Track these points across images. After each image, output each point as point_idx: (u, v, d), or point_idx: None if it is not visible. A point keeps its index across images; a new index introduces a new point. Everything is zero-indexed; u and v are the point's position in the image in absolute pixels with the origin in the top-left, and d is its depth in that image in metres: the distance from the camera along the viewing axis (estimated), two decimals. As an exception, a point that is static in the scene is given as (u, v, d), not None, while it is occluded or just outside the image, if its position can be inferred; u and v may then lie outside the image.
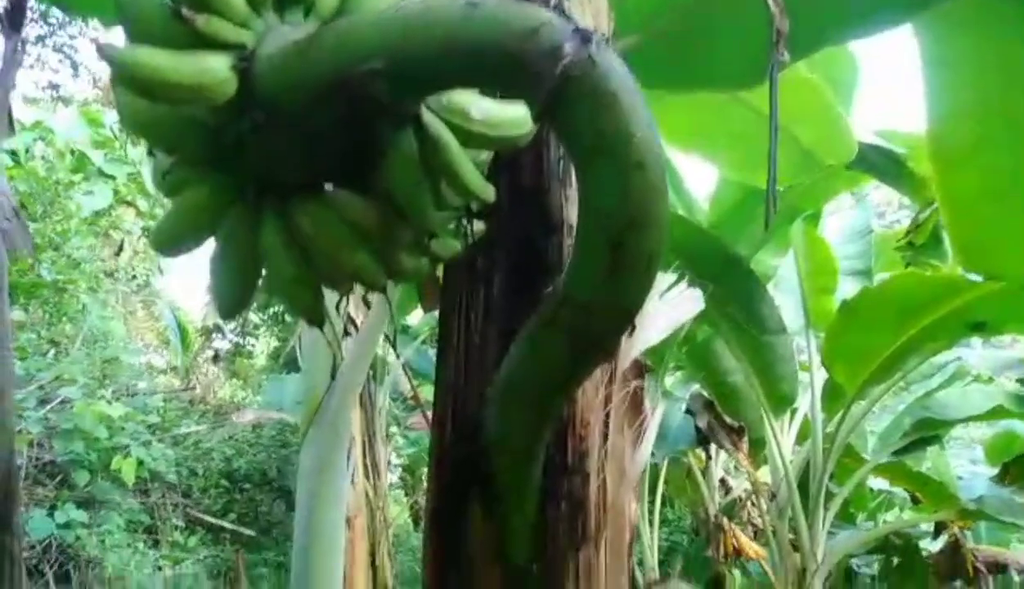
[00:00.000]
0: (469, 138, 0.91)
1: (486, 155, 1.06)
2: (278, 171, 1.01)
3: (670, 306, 1.41)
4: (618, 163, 0.77)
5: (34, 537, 4.44)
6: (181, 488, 5.63)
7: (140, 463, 4.93)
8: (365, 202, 1.02)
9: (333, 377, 1.97)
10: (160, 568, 4.86)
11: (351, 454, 5.15)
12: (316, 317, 1.10)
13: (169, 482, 5.50)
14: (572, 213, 1.31)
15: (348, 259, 1.01)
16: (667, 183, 0.84)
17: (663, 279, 1.43)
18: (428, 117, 0.90)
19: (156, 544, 5.27)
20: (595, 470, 1.30)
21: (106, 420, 4.83)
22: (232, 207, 1.04)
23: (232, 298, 1.10)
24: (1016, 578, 6.60)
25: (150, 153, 1.08)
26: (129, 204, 7.58)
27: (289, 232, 1.02)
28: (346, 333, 2.08)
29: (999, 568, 6.05)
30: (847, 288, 5.27)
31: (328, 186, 1.09)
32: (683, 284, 1.45)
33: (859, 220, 5.93)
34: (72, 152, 6.93)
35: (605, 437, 1.32)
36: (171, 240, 1.07)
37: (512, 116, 0.90)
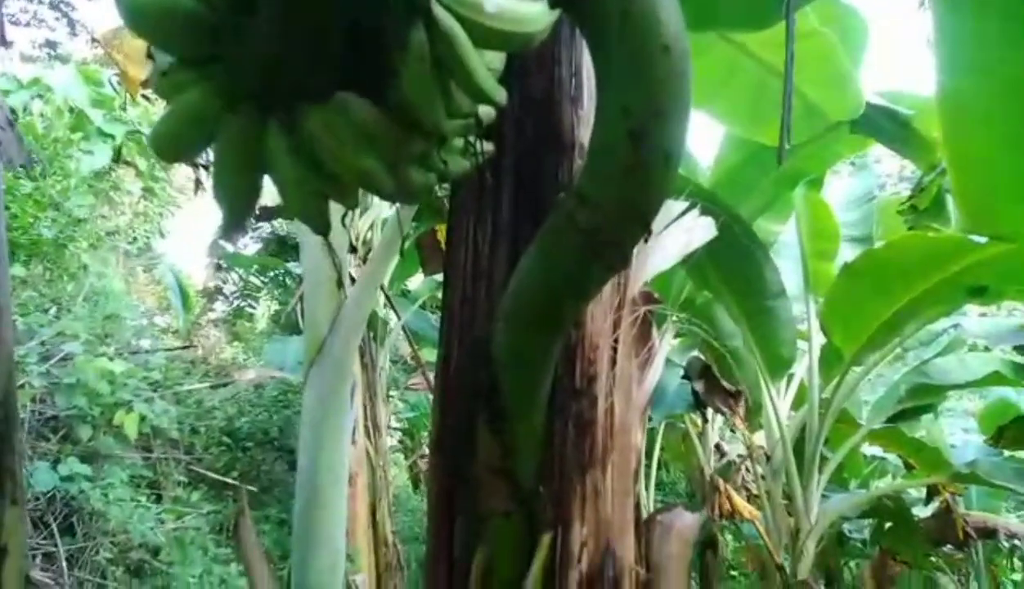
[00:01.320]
0: (482, 34, 0.89)
1: (499, 62, 1.05)
2: (282, 73, 0.98)
3: (682, 232, 1.41)
4: (643, 46, 0.76)
5: (38, 489, 4.47)
6: (183, 445, 5.68)
7: (142, 419, 4.95)
8: (372, 106, 1.00)
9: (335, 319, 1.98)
10: (163, 521, 4.91)
11: (353, 402, 5.18)
12: (322, 225, 1.10)
13: (171, 439, 5.54)
14: (584, 134, 1.30)
15: (355, 160, 0.99)
16: (692, 72, 0.83)
17: (674, 206, 1.43)
18: (439, 10, 0.87)
19: (159, 499, 5.32)
20: (603, 394, 1.31)
21: (108, 375, 4.85)
22: (233, 111, 1.02)
23: (236, 206, 1.09)
24: (1005, 543, 6.72)
25: (149, 55, 1.05)
26: (129, 164, 7.52)
27: (293, 136, 1.00)
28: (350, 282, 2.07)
29: (988, 533, 6.14)
30: (847, 254, 5.27)
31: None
32: (695, 211, 1.45)
33: (861, 186, 5.91)
34: (71, 110, 6.87)
35: (613, 362, 1.34)
36: (169, 144, 1.05)
37: (527, 12, 0.89)
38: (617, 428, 1.30)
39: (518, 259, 1.16)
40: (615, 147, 0.89)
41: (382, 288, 5.43)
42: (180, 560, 4.91)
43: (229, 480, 5.74)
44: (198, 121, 1.04)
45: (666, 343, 1.42)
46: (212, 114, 1.03)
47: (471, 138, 1.14)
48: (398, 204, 2.17)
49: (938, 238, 4.30)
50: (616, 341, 1.33)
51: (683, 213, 1.46)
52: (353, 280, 3.02)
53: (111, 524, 4.66)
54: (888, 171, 10.64)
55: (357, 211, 4.56)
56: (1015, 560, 7.47)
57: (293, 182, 1.04)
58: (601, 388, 1.29)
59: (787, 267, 5.49)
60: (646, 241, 1.19)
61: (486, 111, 1.10)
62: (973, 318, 6.29)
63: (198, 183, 4.47)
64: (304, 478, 2.08)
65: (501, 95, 0.98)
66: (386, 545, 5.31)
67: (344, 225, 1.13)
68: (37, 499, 4.56)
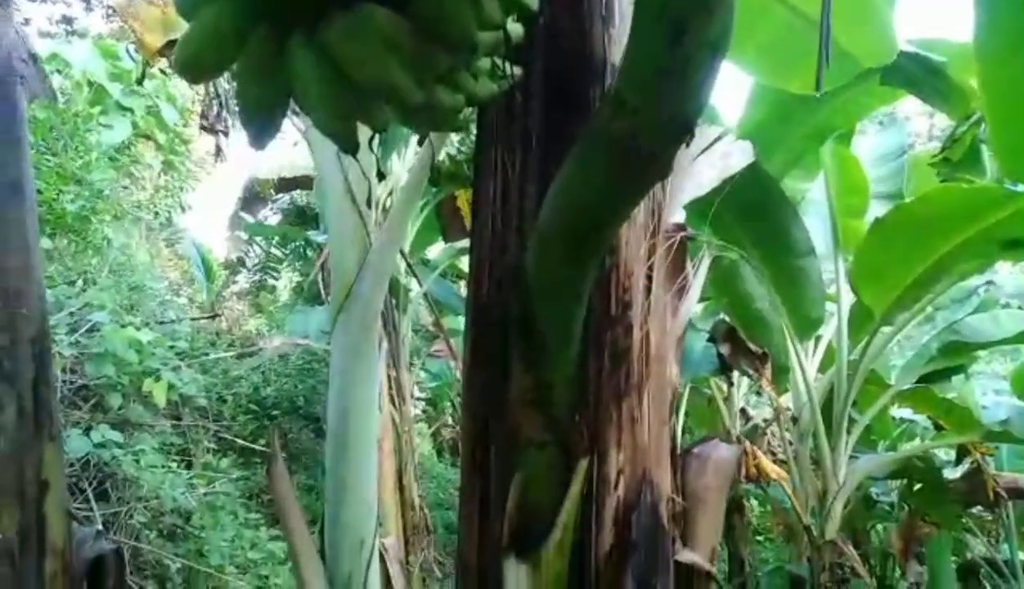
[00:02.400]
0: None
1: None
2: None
3: (718, 157, 1.35)
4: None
5: (73, 456, 4.56)
6: (211, 413, 5.75)
7: (171, 387, 5.02)
8: (397, 16, 0.96)
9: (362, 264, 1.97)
10: (193, 486, 5.00)
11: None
12: (349, 142, 1.07)
13: (200, 407, 5.62)
14: (616, 54, 1.25)
15: (381, 71, 0.95)
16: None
17: (711, 131, 1.37)
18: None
19: (189, 466, 5.41)
20: (638, 322, 1.28)
21: (135, 344, 4.91)
22: (256, 28, 0.99)
23: (261, 125, 1.06)
24: (1038, 503, 6.63)
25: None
26: (148, 138, 7.55)
27: (318, 51, 0.97)
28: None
29: (1019, 494, 6.05)
30: (878, 211, 5.14)
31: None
32: (730, 135, 1.39)
33: (891, 142, 5.76)
34: (89, 84, 6.88)
35: (648, 290, 1.30)
36: (193, 63, 1.02)
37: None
38: (653, 356, 1.26)
39: (548, 183, 1.12)
40: (655, 44, 0.84)
41: (403, 254, 5.42)
42: (211, 524, 5.00)
43: (257, 447, 5.82)
44: (220, 38, 1.01)
45: (701, 273, 1.38)
46: (234, 30, 1.00)
47: (499, 59, 1.10)
48: (426, 140, 2.14)
49: (972, 189, 4.17)
50: (651, 269, 1.29)
51: (719, 138, 1.41)
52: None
53: (144, 490, 4.75)
54: (917, 130, 10.37)
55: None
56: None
57: (318, 97, 1.01)
58: (636, 316, 1.26)
59: (815, 225, 5.38)
60: (687, 145, 1.14)
61: (515, 30, 1.05)
62: (1005, 276, 6.14)
63: (218, 150, 4.47)
64: (334, 425, 2.08)
65: None
66: (413, 508, 5.36)
67: (371, 150, 1.10)
68: (72, 466, 4.66)
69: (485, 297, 1.29)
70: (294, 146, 6.87)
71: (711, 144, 1.40)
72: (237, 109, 1.07)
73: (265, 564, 5.18)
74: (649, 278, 1.29)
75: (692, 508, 1.27)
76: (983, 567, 6.50)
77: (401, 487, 5.34)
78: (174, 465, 5.09)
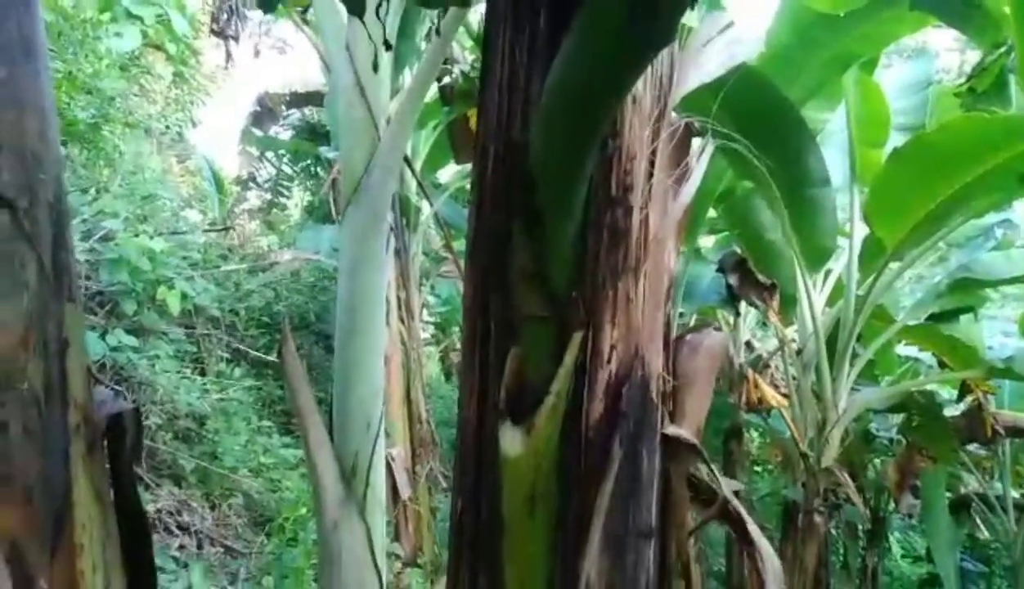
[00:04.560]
0: None
1: None
2: None
3: (725, 44, 1.34)
4: None
5: (90, 358, 4.68)
6: (224, 324, 5.87)
7: (184, 297, 5.10)
8: None
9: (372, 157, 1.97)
10: (207, 391, 5.15)
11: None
12: (357, 4, 1.06)
13: (213, 317, 5.73)
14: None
15: None
16: None
17: (721, 16, 1.35)
18: None
19: (203, 373, 5.56)
20: (638, 204, 1.29)
21: (149, 253, 4.97)
22: None
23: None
24: (1033, 442, 6.73)
25: None
26: (158, 48, 7.44)
27: None
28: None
29: (1017, 432, 6.12)
30: (898, 143, 5.04)
31: None
32: (737, 24, 1.37)
33: (917, 72, 5.59)
34: (98, -11, 6.74)
35: (650, 174, 1.31)
36: None
37: None
38: (651, 239, 1.28)
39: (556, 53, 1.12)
40: None
41: (414, 173, 5.40)
42: (225, 429, 5.17)
43: (270, 359, 5.96)
44: None
45: (704, 159, 1.38)
46: None
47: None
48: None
49: (994, 120, 4.06)
50: (654, 153, 1.30)
51: (727, 26, 1.38)
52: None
53: (159, 393, 4.90)
54: (947, 66, 10.03)
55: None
56: (1042, 461, 7.49)
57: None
58: (637, 198, 1.27)
59: (833, 156, 5.28)
60: (692, 8, 1.13)
61: None
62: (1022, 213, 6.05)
63: (228, 56, 4.40)
64: (344, 306, 2.14)
65: None
66: (420, 422, 5.51)
67: (378, 17, 1.09)
68: (95, 379, 4.81)
69: (490, 173, 1.30)
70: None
71: (721, 31, 1.38)
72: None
73: (277, 469, 5.38)
74: (652, 163, 1.30)
75: (682, 388, 1.31)
76: (975, 502, 6.64)
77: (409, 401, 5.47)
78: (188, 371, 5.23)
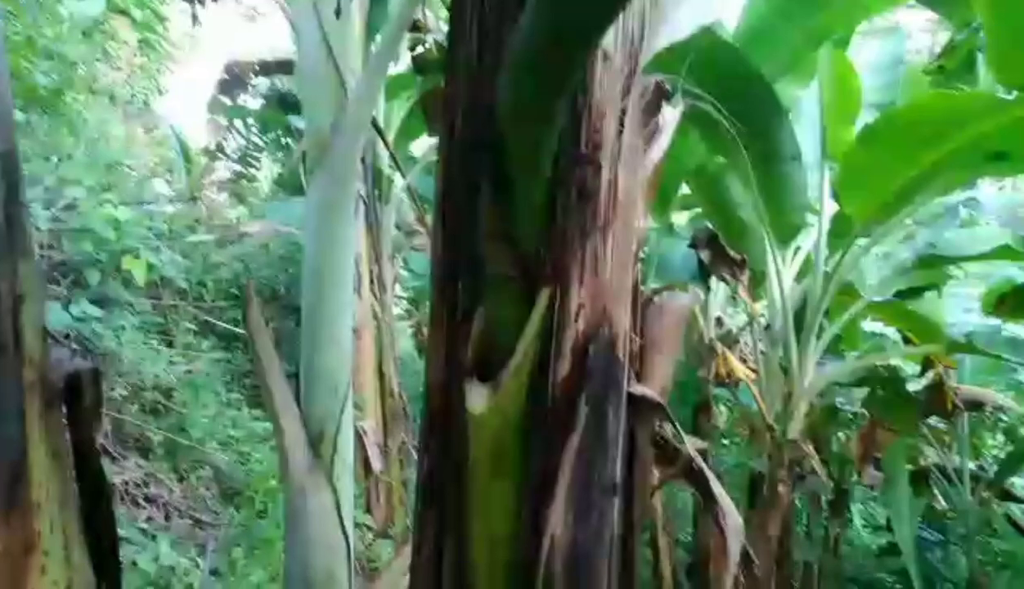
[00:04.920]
0: None
1: None
2: None
3: (701, 2, 1.33)
4: None
5: (53, 328, 4.58)
6: (191, 296, 5.78)
7: (150, 268, 5.00)
8: None
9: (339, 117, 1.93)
10: (174, 363, 5.07)
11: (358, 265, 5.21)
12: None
13: (180, 289, 5.63)
14: None
15: None
16: None
17: (692, -27, 1.34)
18: None
19: (170, 345, 5.47)
20: (607, 163, 1.28)
21: (113, 222, 4.85)
22: None
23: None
24: (990, 415, 6.94)
25: None
26: (124, 13, 7.20)
27: None
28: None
29: (975, 405, 6.31)
30: (869, 120, 5.09)
31: None
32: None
33: (889, 51, 5.64)
34: (58, -51, 6.49)
35: (620, 132, 1.30)
36: None
37: None
38: (620, 199, 1.27)
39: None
40: None
41: (386, 145, 5.33)
42: (193, 401, 5.10)
43: (239, 331, 5.88)
44: None
45: (675, 117, 1.37)
46: None
47: None
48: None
49: (962, 96, 4.13)
50: (623, 112, 1.29)
51: (703, -15, 1.37)
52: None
53: (124, 364, 4.82)
54: (919, 46, 10.12)
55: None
56: (998, 434, 7.73)
57: None
58: (606, 157, 1.26)
59: (805, 134, 5.33)
60: None
61: None
62: (989, 195, 6.18)
63: (195, 18, 4.28)
64: (310, 279, 2.11)
65: None
66: (392, 396, 5.50)
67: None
68: (53, 339, 4.71)
69: (458, 129, 1.28)
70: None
71: (694, -10, 1.37)
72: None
73: (246, 442, 5.34)
74: (622, 122, 1.29)
75: (649, 348, 1.32)
76: (933, 473, 6.84)
77: (381, 375, 5.46)
78: (155, 343, 5.14)
